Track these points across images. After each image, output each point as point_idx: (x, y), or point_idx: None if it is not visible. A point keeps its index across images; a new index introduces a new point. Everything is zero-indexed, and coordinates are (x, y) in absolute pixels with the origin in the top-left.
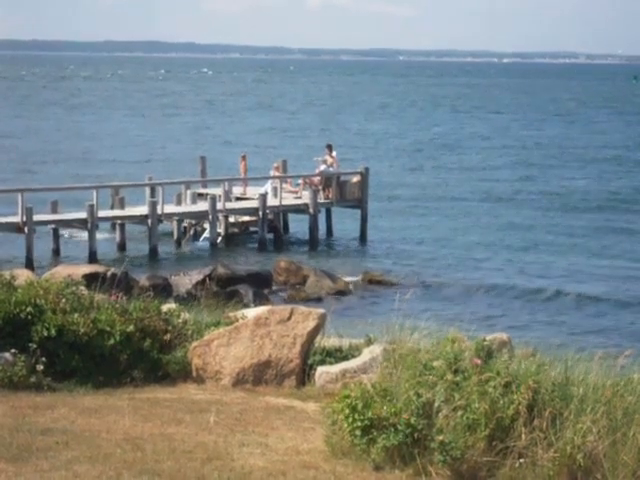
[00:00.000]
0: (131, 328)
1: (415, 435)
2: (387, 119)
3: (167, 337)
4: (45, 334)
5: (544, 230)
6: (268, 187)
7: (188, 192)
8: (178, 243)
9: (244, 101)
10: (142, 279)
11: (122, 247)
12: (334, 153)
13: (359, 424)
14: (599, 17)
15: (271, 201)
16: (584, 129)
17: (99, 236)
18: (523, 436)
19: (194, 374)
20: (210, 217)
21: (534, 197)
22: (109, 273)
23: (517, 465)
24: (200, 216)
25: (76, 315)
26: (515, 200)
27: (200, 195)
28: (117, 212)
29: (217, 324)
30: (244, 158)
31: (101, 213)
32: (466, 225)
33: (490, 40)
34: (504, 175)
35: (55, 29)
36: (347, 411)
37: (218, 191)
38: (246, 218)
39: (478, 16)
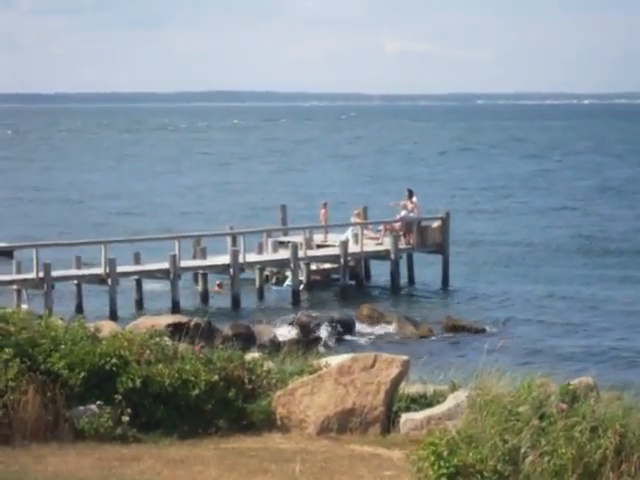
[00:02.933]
0: (215, 378)
1: None
2: (466, 163)
3: (251, 386)
4: (130, 385)
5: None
6: (349, 234)
7: (269, 240)
8: (260, 291)
9: (322, 149)
10: (225, 328)
11: (205, 297)
12: (414, 198)
13: (445, 471)
14: None
15: (352, 248)
16: None
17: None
18: None
19: (279, 423)
20: (292, 265)
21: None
22: (192, 323)
23: None
24: (282, 264)
25: (160, 366)
26: (609, 250)
27: (281, 243)
28: (199, 262)
29: (301, 372)
30: (325, 206)
31: (183, 263)
32: (551, 274)
33: (570, 82)
34: (597, 220)
35: (130, 81)
36: (432, 458)
37: (299, 239)
38: (327, 265)
39: (557, 58)
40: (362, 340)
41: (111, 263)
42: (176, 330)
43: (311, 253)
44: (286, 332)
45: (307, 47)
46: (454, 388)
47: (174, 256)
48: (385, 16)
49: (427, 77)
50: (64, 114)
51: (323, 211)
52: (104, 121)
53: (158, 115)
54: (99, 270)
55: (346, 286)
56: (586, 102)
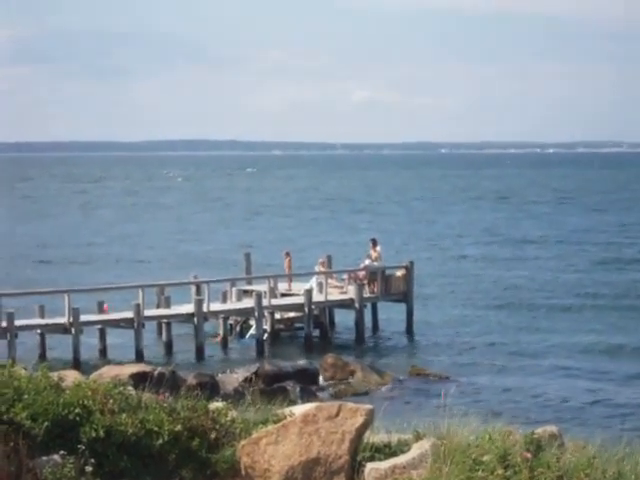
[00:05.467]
0: (179, 427)
1: None
2: (428, 212)
3: (215, 436)
4: (93, 435)
5: (598, 328)
6: (313, 283)
7: (233, 289)
8: (224, 341)
9: (285, 199)
10: (189, 377)
11: (169, 346)
12: (378, 247)
13: None
14: None
15: (316, 297)
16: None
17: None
18: None
19: (243, 472)
20: (256, 314)
21: (587, 295)
22: (156, 372)
23: None
24: (246, 313)
25: (124, 415)
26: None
27: (245, 292)
28: (163, 311)
29: (265, 422)
30: (288, 255)
31: (147, 312)
32: (518, 320)
33: (535, 131)
34: (553, 265)
35: (94, 129)
36: None
37: (263, 288)
38: (292, 314)
39: (520, 107)
40: (327, 389)
41: (74, 312)
42: (140, 379)
43: (275, 302)
44: (250, 381)
45: (272, 96)
46: (418, 437)
47: (138, 305)
48: (351, 66)
49: (392, 126)
50: (22, 163)
51: (287, 260)
52: (63, 170)
53: (117, 164)
54: (62, 319)
55: (310, 335)
56: (551, 151)
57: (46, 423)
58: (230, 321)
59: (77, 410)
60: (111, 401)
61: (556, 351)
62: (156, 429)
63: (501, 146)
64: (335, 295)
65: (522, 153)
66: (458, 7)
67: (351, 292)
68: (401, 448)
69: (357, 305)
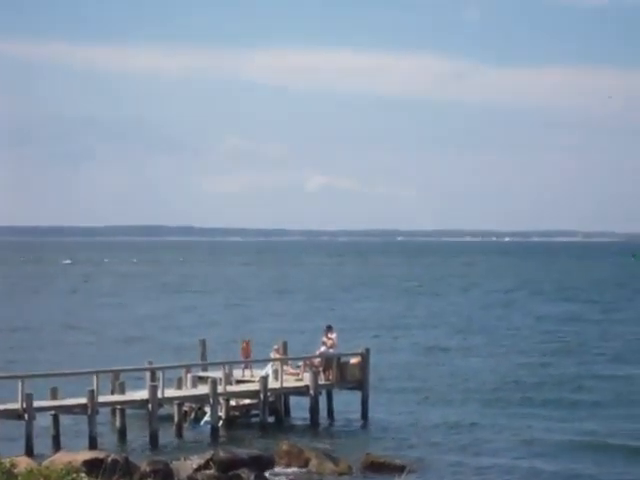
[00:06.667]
0: None
1: None
2: (369, 300)
3: None
4: None
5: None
6: (269, 369)
7: (189, 376)
8: (179, 427)
9: (239, 287)
10: (143, 464)
11: (122, 432)
12: (334, 334)
13: None
14: (595, 196)
15: (272, 383)
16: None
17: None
18: None
19: None
20: (211, 400)
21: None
22: (110, 459)
23: None
24: (201, 399)
25: None
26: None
27: (201, 378)
28: (117, 397)
29: None
30: (247, 342)
31: (101, 398)
32: (472, 408)
33: (489, 220)
34: (515, 358)
35: (55, 214)
36: None
37: (219, 374)
38: (247, 401)
39: (477, 196)
40: (281, 477)
41: (28, 398)
42: (93, 466)
43: (230, 389)
44: (205, 468)
45: (230, 183)
46: None
47: (92, 391)
48: (309, 153)
49: (349, 213)
50: None
51: (244, 346)
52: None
53: (74, 249)
54: (15, 405)
55: (266, 422)
56: (507, 239)
57: None
58: (185, 408)
59: None
60: None
61: (513, 445)
62: None
63: (458, 234)
64: (291, 382)
65: (479, 241)
66: (413, 94)
67: (306, 379)
68: None
69: (312, 392)
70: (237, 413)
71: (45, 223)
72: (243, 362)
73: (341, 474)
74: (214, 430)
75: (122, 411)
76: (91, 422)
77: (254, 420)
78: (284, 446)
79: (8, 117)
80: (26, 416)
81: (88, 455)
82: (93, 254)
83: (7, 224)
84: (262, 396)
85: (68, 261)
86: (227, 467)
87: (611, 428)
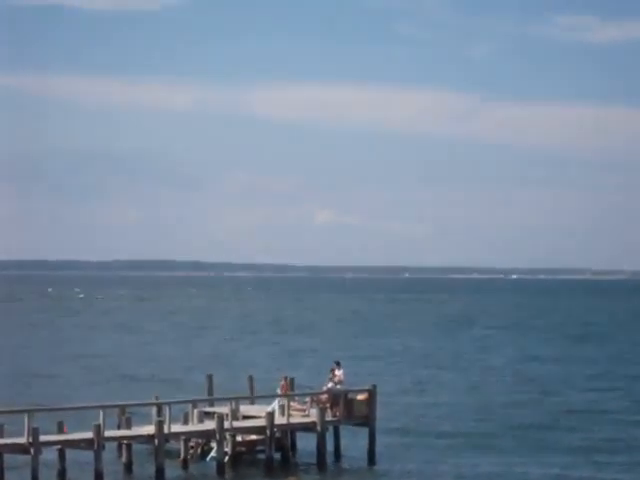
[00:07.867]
0: None
1: None
2: (395, 337)
3: None
4: None
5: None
6: (275, 405)
7: (195, 411)
8: (185, 463)
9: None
10: None
11: (129, 467)
12: (341, 371)
13: None
14: (604, 234)
15: (278, 419)
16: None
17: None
18: None
19: None
20: (217, 436)
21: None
22: None
23: None
24: (207, 435)
25: None
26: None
27: (207, 414)
28: (123, 432)
29: None
30: (251, 379)
31: (107, 433)
32: (481, 448)
33: (496, 257)
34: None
35: (65, 248)
36: None
37: (225, 410)
38: (253, 437)
39: (485, 234)
40: None
41: (34, 432)
42: None
43: (237, 424)
44: None
45: (237, 218)
46: None
47: (98, 426)
48: (316, 189)
49: (356, 249)
50: None
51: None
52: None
53: (81, 283)
54: (22, 439)
55: (272, 458)
56: (514, 277)
57: None
58: (191, 443)
59: None
60: None
61: None
62: None
63: (465, 271)
64: (297, 418)
65: (486, 278)
66: (423, 132)
67: (313, 415)
68: None
69: (319, 428)
70: (243, 449)
71: (54, 257)
72: (249, 397)
73: None
74: (220, 466)
75: (128, 446)
76: (97, 457)
77: (260, 456)
78: None
79: (22, 151)
80: (32, 450)
81: None
82: (108, 289)
83: (16, 258)
84: (268, 432)
85: (81, 295)
86: None
87: None
